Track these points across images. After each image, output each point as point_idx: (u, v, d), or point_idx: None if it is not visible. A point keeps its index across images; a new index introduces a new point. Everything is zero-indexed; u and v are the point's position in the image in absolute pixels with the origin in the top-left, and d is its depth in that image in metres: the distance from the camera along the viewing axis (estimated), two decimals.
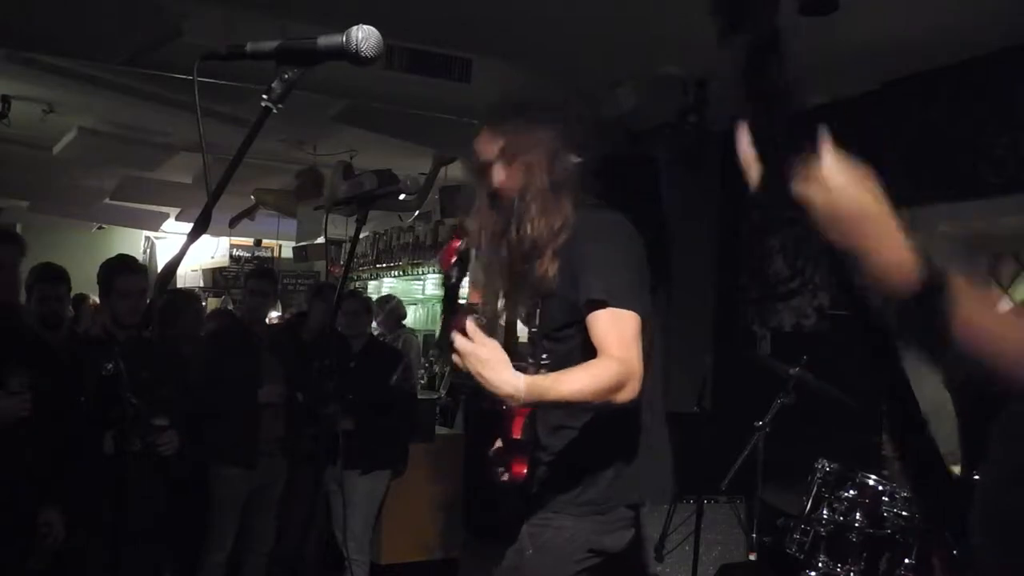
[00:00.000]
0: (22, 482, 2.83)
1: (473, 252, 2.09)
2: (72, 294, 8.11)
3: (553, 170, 2.03)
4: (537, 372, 1.96)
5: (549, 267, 2.01)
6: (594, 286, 1.94)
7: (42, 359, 2.97)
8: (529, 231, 2.01)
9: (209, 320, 6.04)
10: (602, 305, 1.92)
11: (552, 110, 2.09)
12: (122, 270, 3.35)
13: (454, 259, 1.97)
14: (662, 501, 2.19)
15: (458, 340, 1.81)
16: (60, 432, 2.92)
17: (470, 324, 1.82)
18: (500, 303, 2.14)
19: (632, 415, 2.06)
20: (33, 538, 2.86)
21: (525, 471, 2.02)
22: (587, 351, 1.94)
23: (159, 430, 3.17)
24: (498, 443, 2.09)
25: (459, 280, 2.03)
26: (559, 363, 1.97)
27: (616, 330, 1.90)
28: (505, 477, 2.03)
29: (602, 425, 2.03)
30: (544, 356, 2.02)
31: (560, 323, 2.05)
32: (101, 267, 3.40)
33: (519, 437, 2.02)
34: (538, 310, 2.10)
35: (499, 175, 2.06)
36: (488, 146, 2.08)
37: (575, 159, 2.07)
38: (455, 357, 1.83)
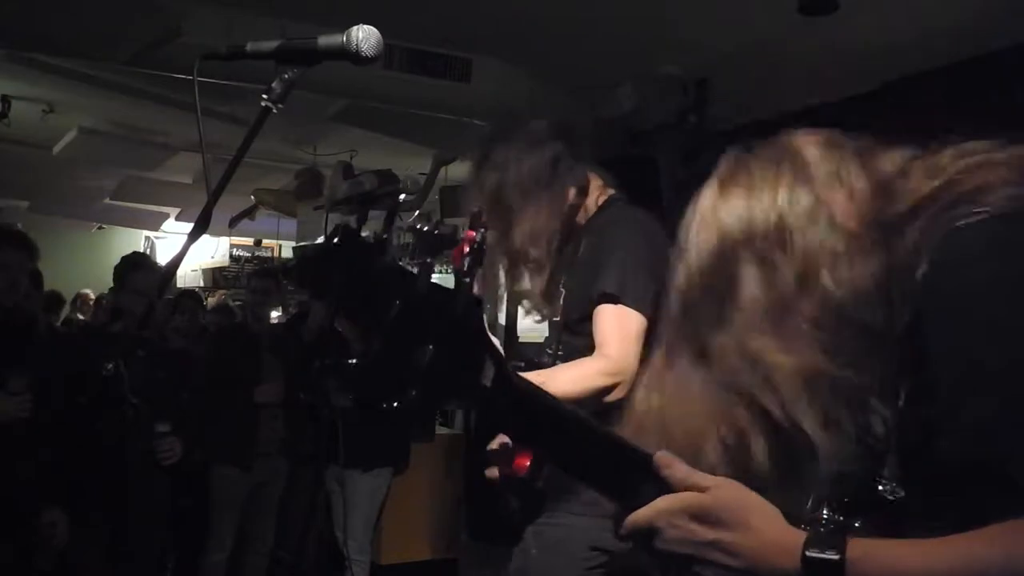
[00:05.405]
0: (24, 483, 2.82)
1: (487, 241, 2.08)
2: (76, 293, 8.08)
3: (552, 183, 2.04)
4: (553, 363, 2.00)
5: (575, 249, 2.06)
6: (610, 280, 1.95)
7: (43, 359, 2.97)
8: (520, 244, 2.04)
9: (209, 317, 6.04)
10: (612, 300, 1.94)
11: (541, 131, 2.10)
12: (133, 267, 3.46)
13: (467, 249, 1.96)
14: None
15: None
16: (61, 432, 2.92)
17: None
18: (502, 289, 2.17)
19: None
20: (36, 539, 2.86)
21: (528, 464, 2.02)
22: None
23: (161, 436, 3.16)
24: (499, 439, 2.09)
25: (473, 271, 2.02)
26: (570, 356, 2.00)
27: (620, 328, 1.91)
28: (506, 471, 2.03)
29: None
30: (560, 348, 2.05)
31: (579, 315, 2.06)
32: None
33: None
34: (561, 301, 2.11)
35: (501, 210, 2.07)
36: (475, 194, 2.10)
37: (576, 166, 2.09)
38: None
